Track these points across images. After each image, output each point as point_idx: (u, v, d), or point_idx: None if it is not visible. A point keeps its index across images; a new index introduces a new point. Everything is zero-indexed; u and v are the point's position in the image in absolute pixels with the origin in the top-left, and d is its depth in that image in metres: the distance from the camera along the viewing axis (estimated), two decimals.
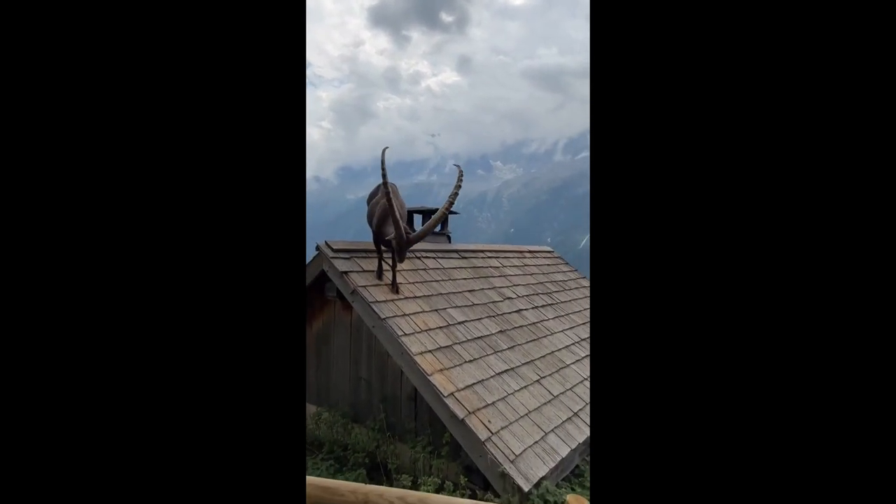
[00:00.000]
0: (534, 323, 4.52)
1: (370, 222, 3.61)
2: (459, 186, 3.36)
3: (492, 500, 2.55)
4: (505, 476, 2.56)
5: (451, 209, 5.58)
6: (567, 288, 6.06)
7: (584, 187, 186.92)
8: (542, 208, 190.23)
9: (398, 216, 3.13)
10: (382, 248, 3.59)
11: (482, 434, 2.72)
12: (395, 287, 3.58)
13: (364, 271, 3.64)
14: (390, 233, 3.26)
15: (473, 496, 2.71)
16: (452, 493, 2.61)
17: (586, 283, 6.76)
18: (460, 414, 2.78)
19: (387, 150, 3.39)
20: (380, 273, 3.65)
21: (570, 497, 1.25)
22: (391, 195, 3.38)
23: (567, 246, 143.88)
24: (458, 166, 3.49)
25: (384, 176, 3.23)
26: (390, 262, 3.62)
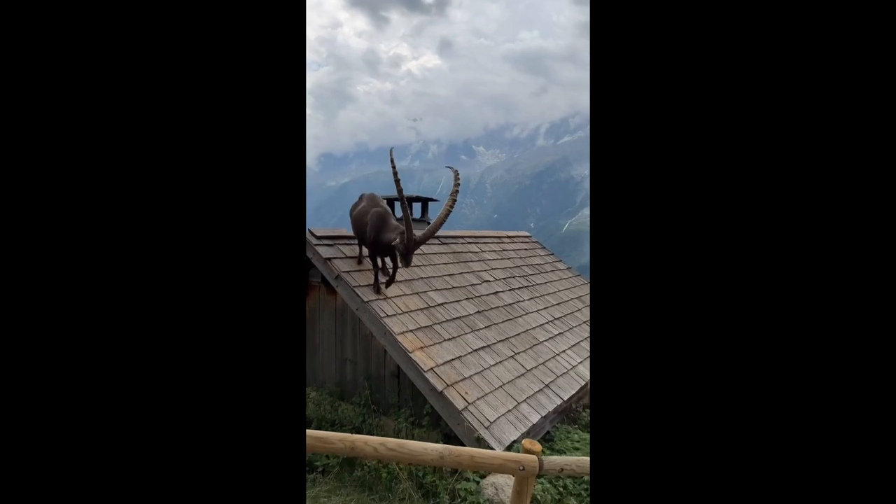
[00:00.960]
0: (510, 304, 4.79)
1: (360, 234, 3.50)
2: (458, 186, 3.19)
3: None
4: (480, 440, 2.82)
5: (432, 197, 5.76)
6: (543, 271, 6.35)
7: (566, 172, 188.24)
8: (525, 193, 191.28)
9: (409, 216, 2.99)
10: (379, 258, 3.48)
11: (459, 404, 2.97)
12: (388, 281, 3.52)
13: (347, 257, 3.80)
14: (392, 238, 3.15)
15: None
16: None
17: (562, 266, 7.06)
18: (439, 387, 3.03)
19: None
20: (377, 287, 3.52)
21: (525, 441, 1.49)
22: (376, 202, 3.39)
23: (550, 230, 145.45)
24: (451, 168, 3.39)
25: (396, 175, 3.05)
26: (390, 270, 3.53)
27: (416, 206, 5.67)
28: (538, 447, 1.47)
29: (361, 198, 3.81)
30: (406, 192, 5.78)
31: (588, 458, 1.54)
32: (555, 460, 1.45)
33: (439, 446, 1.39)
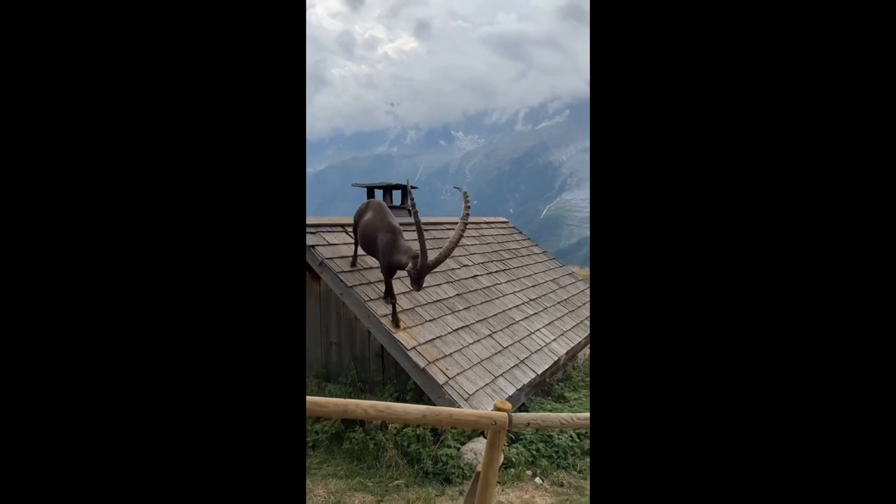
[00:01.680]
0: (488, 287, 5.02)
1: (366, 246, 3.48)
2: (468, 208, 3.10)
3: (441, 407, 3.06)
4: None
5: (412, 184, 5.89)
6: (520, 255, 6.61)
7: (545, 157, 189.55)
8: (504, 179, 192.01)
9: (424, 242, 2.95)
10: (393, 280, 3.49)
11: (440, 379, 3.19)
12: (395, 320, 3.43)
13: (329, 245, 3.93)
14: (403, 262, 3.15)
15: (434, 430, 3.21)
16: (416, 428, 3.10)
17: (538, 250, 7.34)
18: (422, 364, 3.24)
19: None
20: (396, 319, 3.46)
21: (497, 402, 1.72)
22: (383, 214, 3.36)
23: (528, 216, 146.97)
24: (459, 189, 3.29)
25: (414, 208, 3.03)
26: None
27: (397, 195, 5.80)
28: (508, 406, 1.70)
29: (368, 206, 3.68)
30: (384, 180, 5.88)
31: (552, 415, 1.78)
32: (522, 416, 1.68)
33: (422, 407, 1.59)
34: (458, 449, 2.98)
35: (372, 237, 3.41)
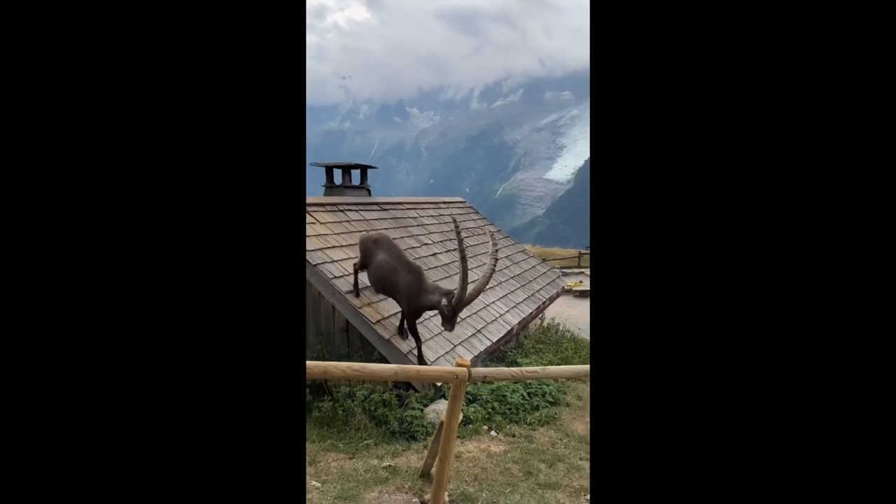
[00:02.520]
0: (447, 264, 5.29)
1: (385, 289, 3.30)
2: (496, 248, 3.12)
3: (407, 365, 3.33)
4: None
5: (371, 164, 5.96)
6: (476, 234, 6.92)
7: (500, 137, 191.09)
8: (461, 157, 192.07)
9: (466, 274, 2.81)
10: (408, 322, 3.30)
11: (404, 349, 3.44)
12: (421, 359, 3.30)
13: None
14: (436, 300, 3.03)
15: (399, 396, 3.47)
16: (382, 394, 3.35)
17: (494, 229, 7.69)
18: (386, 335, 3.46)
19: (457, 221, 3.06)
20: (421, 357, 3.33)
21: (457, 360, 1.99)
22: (397, 253, 3.22)
23: (484, 195, 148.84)
24: (490, 230, 3.16)
25: (460, 236, 2.85)
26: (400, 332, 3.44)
27: (356, 174, 5.84)
28: (467, 362, 1.97)
29: (377, 244, 3.42)
30: (339, 158, 5.93)
31: (504, 368, 2.08)
32: (479, 370, 1.96)
33: (393, 366, 1.83)
34: (422, 410, 3.27)
35: (391, 279, 3.23)
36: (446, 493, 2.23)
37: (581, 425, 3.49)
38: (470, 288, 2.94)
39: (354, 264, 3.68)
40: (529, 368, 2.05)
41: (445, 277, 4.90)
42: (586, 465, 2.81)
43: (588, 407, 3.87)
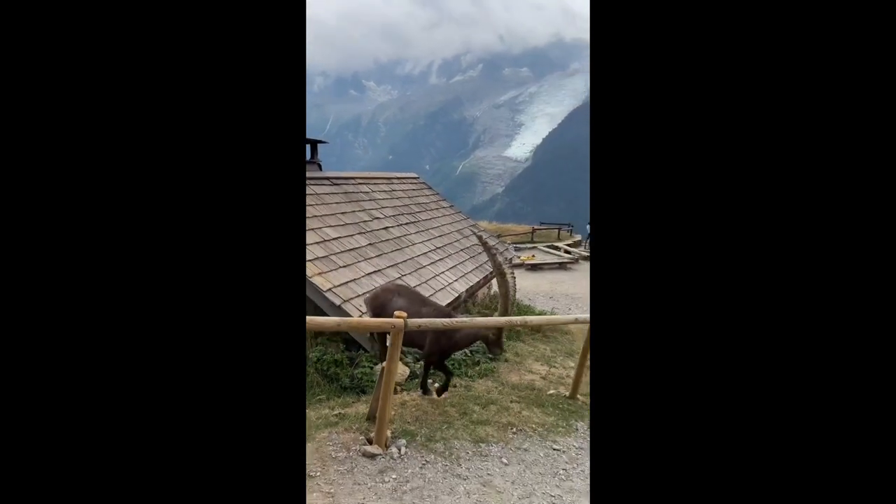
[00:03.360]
0: (398, 237, 5.53)
1: (422, 341, 2.93)
2: (507, 260, 3.03)
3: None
4: (372, 336, 3.62)
5: (322, 139, 5.97)
6: (429, 209, 7.17)
7: (460, 113, 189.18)
8: (420, 133, 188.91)
9: (509, 298, 2.67)
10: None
11: (356, 314, 3.69)
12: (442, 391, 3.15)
13: None
14: (483, 333, 2.88)
15: (351, 358, 3.74)
16: (334, 356, 3.60)
17: (446, 204, 7.97)
18: (337, 302, 3.69)
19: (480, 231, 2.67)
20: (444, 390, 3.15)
21: (395, 312, 2.27)
22: (420, 299, 2.97)
23: (444, 173, 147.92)
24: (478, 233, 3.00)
25: (495, 258, 2.73)
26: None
27: (307, 149, 5.86)
28: (404, 314, 2.27)
29: (394, 293, 3.11)
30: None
31: (435, 319, 2.39)
32: (413, 321, 2.27)
33: (336, 318, 2.09)
34: (371, 367, 3.56)
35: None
36: (388, 430, 2.56)
37: (515, 376, 3.94)
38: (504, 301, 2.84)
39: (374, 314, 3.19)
40: (458, 319, 2.38)
41: (396, 250, 5.15)
42: (516, 405, 3.24)
43: (525, 362, 4.34)
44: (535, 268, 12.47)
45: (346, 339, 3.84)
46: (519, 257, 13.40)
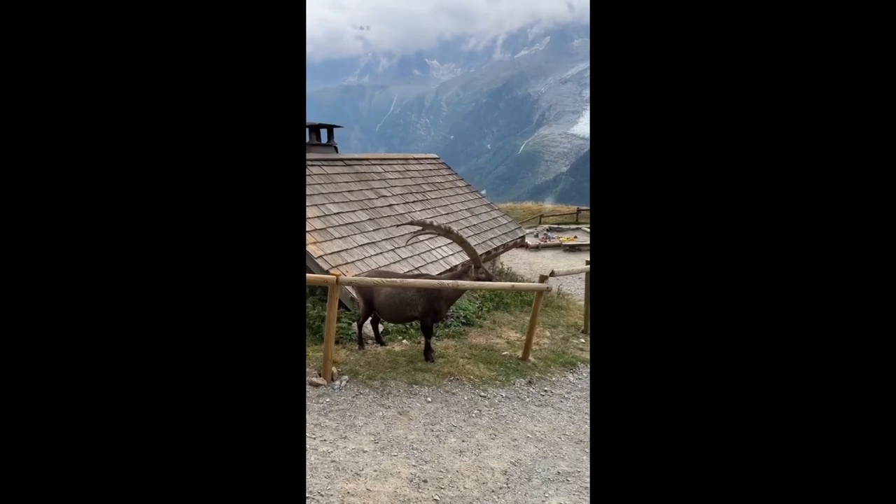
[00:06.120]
0: (401, 213, 6.04)
1: (413, 317, 3.50)
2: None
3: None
4: (353, 300, 4.22)
5: (336, 124, 6.59)
6: (442, 188, 7.58)
7: (524, 90, 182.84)
8: (482, 112, 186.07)
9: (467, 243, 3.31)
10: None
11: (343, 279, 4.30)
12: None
13: None
14: (472, 275, 3.45)
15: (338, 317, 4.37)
16: (321, 313, 4.26)
17: (462, 184, 8.31)
18: (326, 267, 4.32)
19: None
20: (433, 355, 3.62)
21: (331, 270, 2.81)
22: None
23: (506, 152, 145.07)
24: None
25: (438, 227, 3.34)
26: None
27: (323, 133, 6.53)
28: (338, 272, 2.79)
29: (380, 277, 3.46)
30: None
31: (370, 278, 2.90)
32: (346, 278, 2.79)
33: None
34: (349, 323, 4.17)
35: (409, 301, 3.43)
36: (334, 368, 3.14)
37: (482, 339, 4.34)
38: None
39: (358, 316, 3.83)
40: (398, 280, 2.86)
41: (395, 225, 5.68)
42: (463, 360, 3.67)
43: (499, 328, 4.70)
44: (573, 249, 12.42)
45: None
46: (558, 238, 13.36)
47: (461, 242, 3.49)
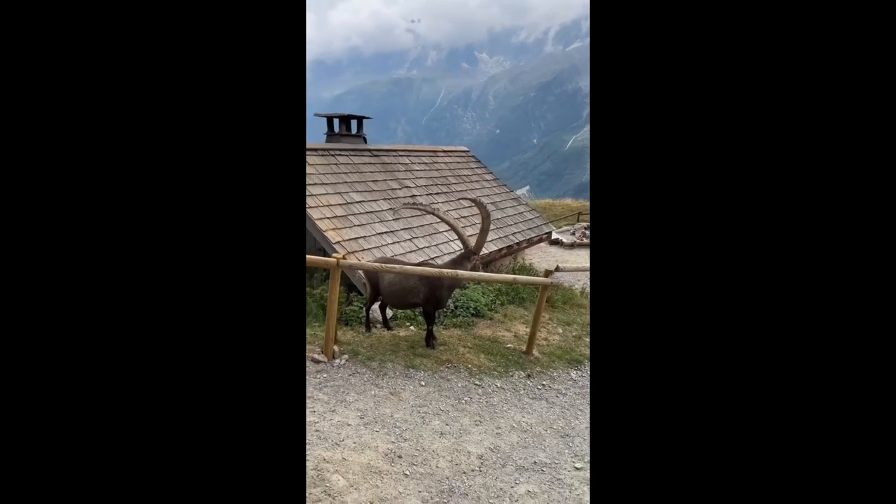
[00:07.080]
0: (423, 204, 6.15)
1: (416, 303, 3.59)
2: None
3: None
4: (365, 285, 4.39)
5: (365, 115, 6.79)
6: (468, 181, 7.61)
7: (575, 83, 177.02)
8: (530, 106, 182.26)
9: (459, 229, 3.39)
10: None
11: (343, 263, 4.49)
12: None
13: None
14: (468, 266, 3.50)
15: (347, 297, 4.57)
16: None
17: (490, 177, 8.29)
18: (343, 252, 4.52)
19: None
20: (434, 342, 3.72)
21: (333, 255, 2.96)
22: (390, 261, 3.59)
23: (552, 147, 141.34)
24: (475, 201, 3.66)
25: (444, 218, 3.43)
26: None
27: (353, 124, 6.75)
28: (340, 255, 2.94)
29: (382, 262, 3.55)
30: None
31: (370, 263, 3.03)
32: (346, 262, 2.93)
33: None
34: (360, 307, 4.35)
35: (411, 289, 3.51)
36: (336, 346, 3.31)
37: (488, 331, 4.37)
38: (472, 241, 3.58)
39: (366, 300, 4.06)
40: (398, 266, 2.97)
41: (416, 216, 5.80)
42: (465, 350, 3.73)
43: (508, 322, 4.71)
44: None
45: (347, 284, 4.68)
46: (584, 233, 12.98)
47: (451, 226, 3.53)
